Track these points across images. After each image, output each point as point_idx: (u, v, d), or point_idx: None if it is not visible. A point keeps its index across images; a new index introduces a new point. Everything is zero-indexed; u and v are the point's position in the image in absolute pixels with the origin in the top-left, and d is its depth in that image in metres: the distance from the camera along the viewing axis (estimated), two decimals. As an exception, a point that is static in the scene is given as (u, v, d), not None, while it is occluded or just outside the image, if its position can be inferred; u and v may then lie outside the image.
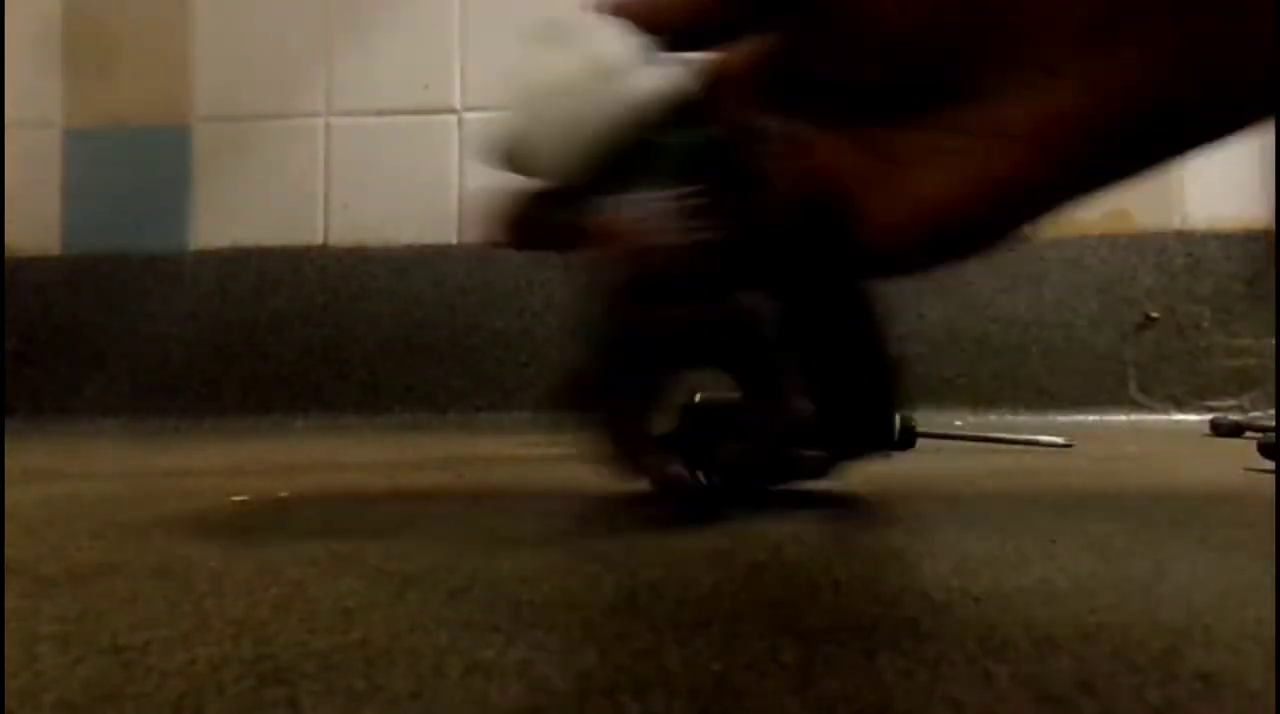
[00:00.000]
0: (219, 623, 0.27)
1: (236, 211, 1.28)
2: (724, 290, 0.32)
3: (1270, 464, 0.47)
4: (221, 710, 0.21)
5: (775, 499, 0.47)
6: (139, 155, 1.30)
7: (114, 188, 1.29)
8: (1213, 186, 1.19)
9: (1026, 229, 0.25)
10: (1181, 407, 1.15)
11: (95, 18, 1.32)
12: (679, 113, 0.31)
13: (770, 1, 0.26)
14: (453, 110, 1.27)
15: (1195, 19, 0.20)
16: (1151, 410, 1.15)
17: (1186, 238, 1.19)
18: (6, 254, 1.28)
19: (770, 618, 0.27)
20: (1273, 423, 0.94)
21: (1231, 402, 1.15)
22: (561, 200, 0.32)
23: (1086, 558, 0.35)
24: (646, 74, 0.30)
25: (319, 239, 1.27)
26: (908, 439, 0.74)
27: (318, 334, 1.25)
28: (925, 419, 0.81)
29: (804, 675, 0.22)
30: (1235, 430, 0.93)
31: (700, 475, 0.40)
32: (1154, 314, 1.17)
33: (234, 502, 0.52)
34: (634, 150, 0.31)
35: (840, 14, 0.24)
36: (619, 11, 0.29)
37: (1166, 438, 0.94)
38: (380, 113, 1.28)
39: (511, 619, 0.27)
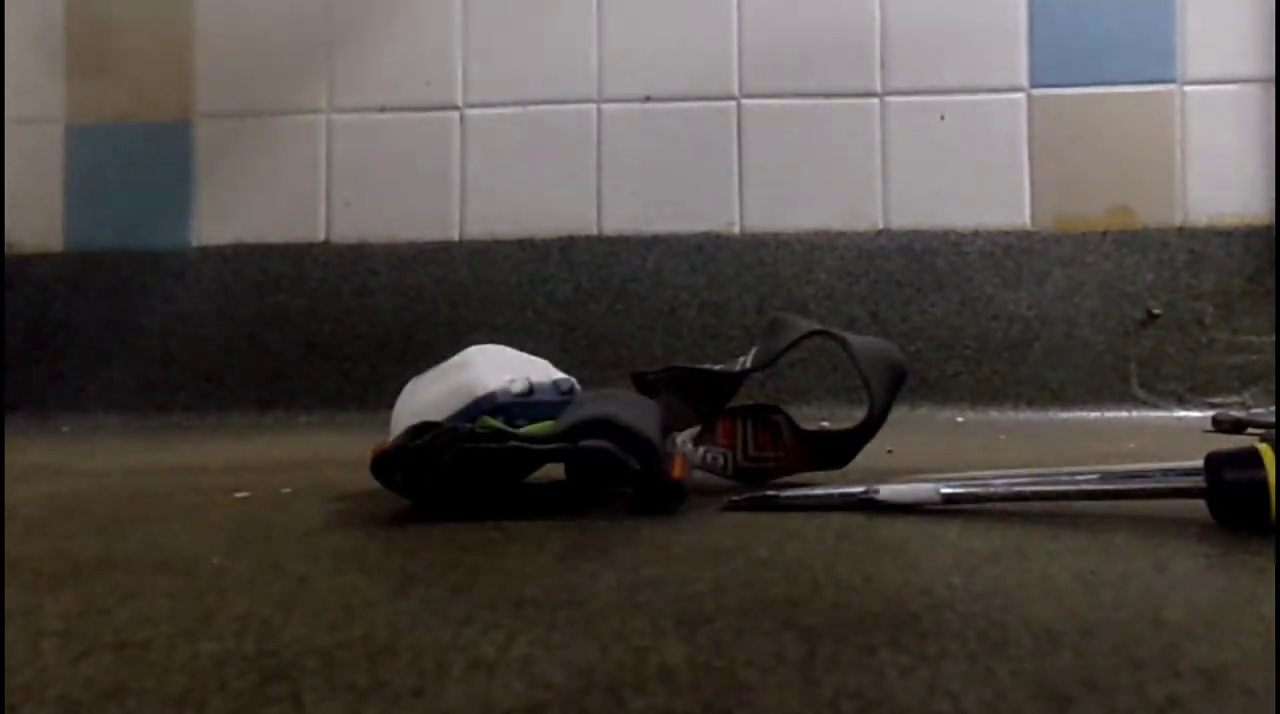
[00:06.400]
0: (221, 619, 0.27)
1: (238, 208, 1.28)
2: None
3: (1222, 437, 0.47)
4: (224, 706, 0.21)
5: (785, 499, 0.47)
6: (141, 152, 1.30)
7: (116, 184, 1.29)
8: (1214, 183, 1.18)
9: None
10: (1183, 403, 1.15)
11: (97, 15, 1.31)
12: None
13: None
14: (454, 107, 1.27)
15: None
16: (1153, 407, 1.15)
17: (1188, 234, 1.19)
18: (9, 250, 1.28)
19: (772, 614, 0.27)
20: (1274, 419, 0.94)
21: (1234, 397, 1.15)
22: None
23: (1088, 554, 0.35)
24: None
25: (321, 236, 1.27)
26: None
27: (320, 330, 1.25)
28: (927, 415, 0.81)
29: (806, 672, 0.22)
30: (1237, 426, 0.93)
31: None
32: (1156, 311, 1.17)
33: (236, 498, 0.52)
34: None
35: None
36: None
37: (1168, 434, 0.94)
38: (382, 109, 1.27)
39: (513, 616, 0.27)
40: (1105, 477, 0.42)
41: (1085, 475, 0.42)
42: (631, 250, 1.19)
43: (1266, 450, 0.37)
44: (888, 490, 0.44)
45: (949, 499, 0.44)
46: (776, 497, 0.46)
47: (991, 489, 0.44)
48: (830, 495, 0.45)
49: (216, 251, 1.27)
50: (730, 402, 0.56)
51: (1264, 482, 0.36)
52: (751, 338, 0.64)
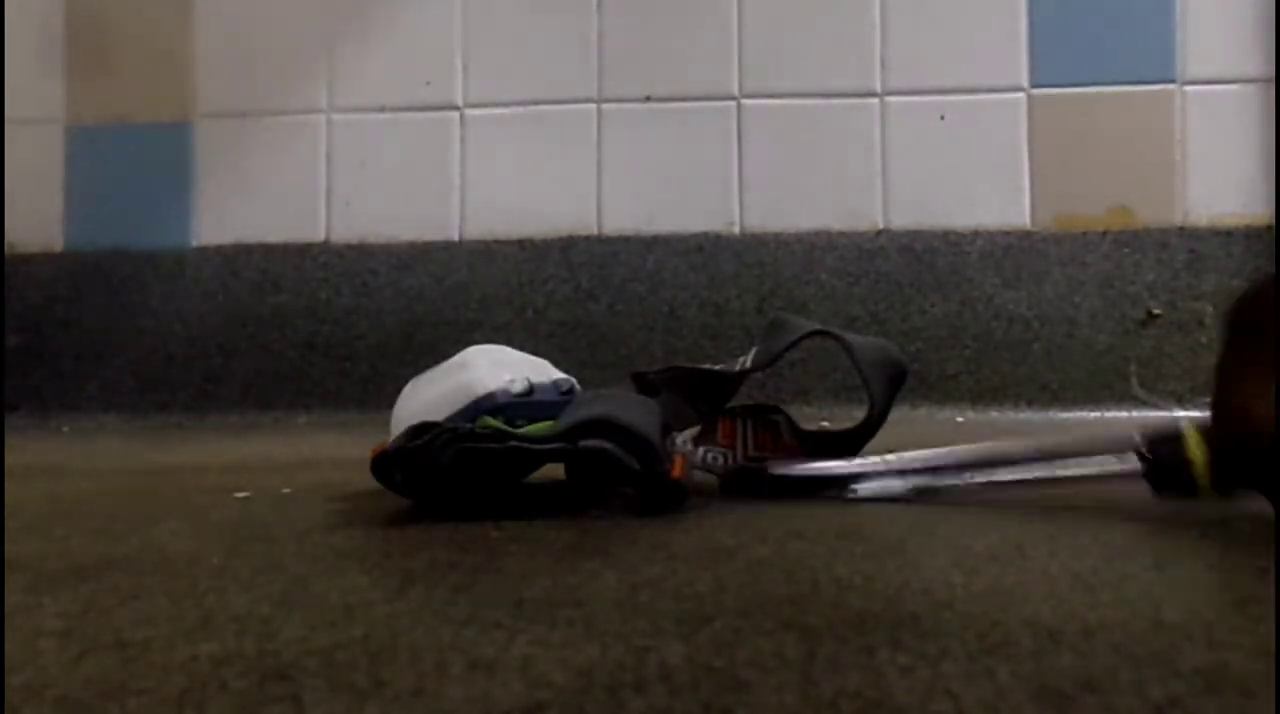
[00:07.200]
0: (221, 619, 0.27)
1: (238, 208, 1.28)
2: None
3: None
4: (224, 706, 0.21)
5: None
6: (141, 152, 1.30)
7: (116, 184, 1.29)
8: (1214, 183, 1.18)
9: None
10: (1183, 403, 1.15)
11: (97, 15, 1.31)
12: None
13: None
14: (454, 107, 1.27)
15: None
16: (1153, 407, 1.15)
17: (1188, 234, 1.19)
18: (9, 250, 1.28)
19: (772, 614, 0.27)
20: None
21: (1233, 398, 1.14)
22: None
23: (1088, 554, 0.35)
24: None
25: (321, 235, 1.27)
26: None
27: (320, 330, 1.25)
28: (927, 415, 0.81)
29: (806, 672, 0.22)
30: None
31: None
32: (1156, 310, 1.17)
33: (236, 498, 0.52)
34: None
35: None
36: None
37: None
38: (382, 109, 1.27)
39: (513, 615, 0.27)
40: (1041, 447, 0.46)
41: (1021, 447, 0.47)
42: (631, 250, 1.19)
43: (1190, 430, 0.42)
44: (864, 488, 0.48)
45: (918, 490, 0.48)
46: (763, 470, 0.50)
47: (944, 465, 0.48)
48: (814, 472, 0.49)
49: (216, 251, 1.27)
50: (730, 402, 0.56)
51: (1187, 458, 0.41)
52: (751, 338, 0.64)
